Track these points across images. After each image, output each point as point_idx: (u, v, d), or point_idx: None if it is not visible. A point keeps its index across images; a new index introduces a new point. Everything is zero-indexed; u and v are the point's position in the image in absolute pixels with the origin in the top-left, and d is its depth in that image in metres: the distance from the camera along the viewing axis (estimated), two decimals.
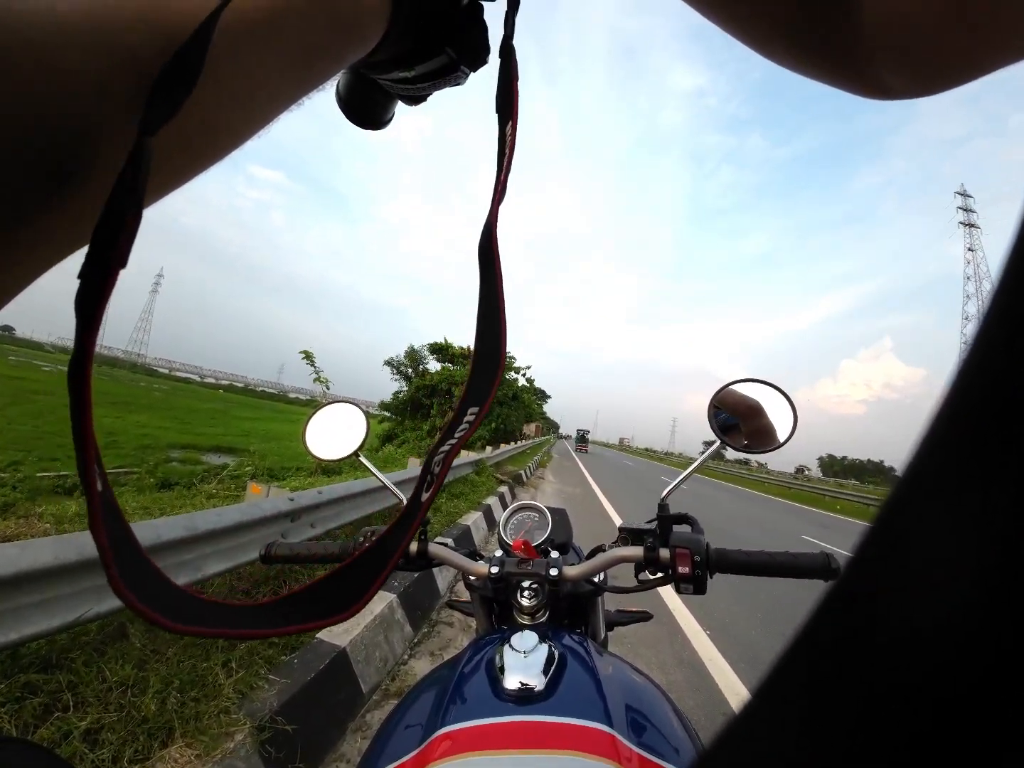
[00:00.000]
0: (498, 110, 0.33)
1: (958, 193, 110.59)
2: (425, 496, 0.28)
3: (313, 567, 2.58)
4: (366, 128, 0.36)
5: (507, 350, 0.28)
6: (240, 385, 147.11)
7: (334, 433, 0.88)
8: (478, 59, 0.32)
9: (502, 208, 0.29)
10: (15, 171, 0.16)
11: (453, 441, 0.27)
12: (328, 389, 7.06)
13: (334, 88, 0.33)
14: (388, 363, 23.94)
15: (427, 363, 23.36)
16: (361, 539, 0.79)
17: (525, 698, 0.55)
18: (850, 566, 0.08)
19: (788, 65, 0.26)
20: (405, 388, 21.03)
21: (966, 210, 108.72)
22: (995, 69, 0.21)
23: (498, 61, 0.32)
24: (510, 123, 0.31)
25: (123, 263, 0.16)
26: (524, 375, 23.41)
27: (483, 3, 0.31)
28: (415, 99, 0.35)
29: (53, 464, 6.85)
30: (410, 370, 23.01)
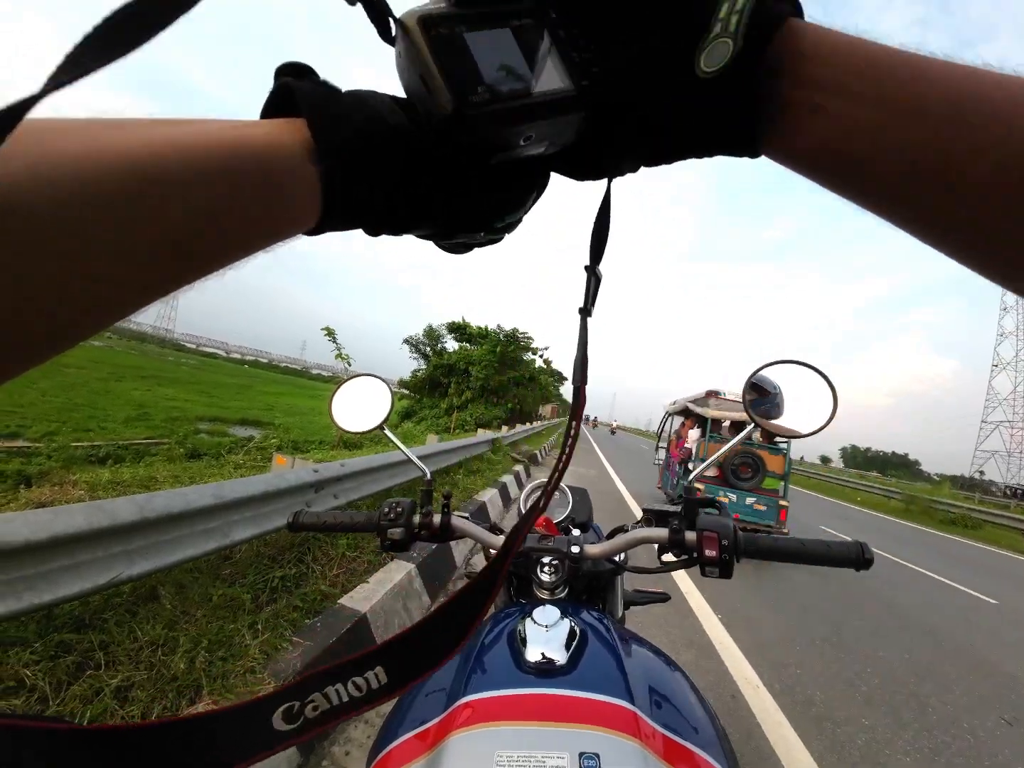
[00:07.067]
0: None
1: None
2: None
3: (336, 536, 2.64)
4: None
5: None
6: (264, 361, 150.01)
7: (360, 406, 0.88)
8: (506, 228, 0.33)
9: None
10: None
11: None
12: (349, 366, 7.14)
13: None
14: (407, 341, 24.07)
15: (445, 342, 23.31)
16: (386, 509, 0.78)
17: (547, 671, 0.55)
18: None
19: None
20: (423, 367, 21.18)
21: None
22: None
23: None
24: (575, 422, 0.31)
25: None
26: (542, 356, 23.28)
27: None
28: (466, 248, 0.36)
29: (87, 434, 7.12)
30: (428, 349, 23.09)
